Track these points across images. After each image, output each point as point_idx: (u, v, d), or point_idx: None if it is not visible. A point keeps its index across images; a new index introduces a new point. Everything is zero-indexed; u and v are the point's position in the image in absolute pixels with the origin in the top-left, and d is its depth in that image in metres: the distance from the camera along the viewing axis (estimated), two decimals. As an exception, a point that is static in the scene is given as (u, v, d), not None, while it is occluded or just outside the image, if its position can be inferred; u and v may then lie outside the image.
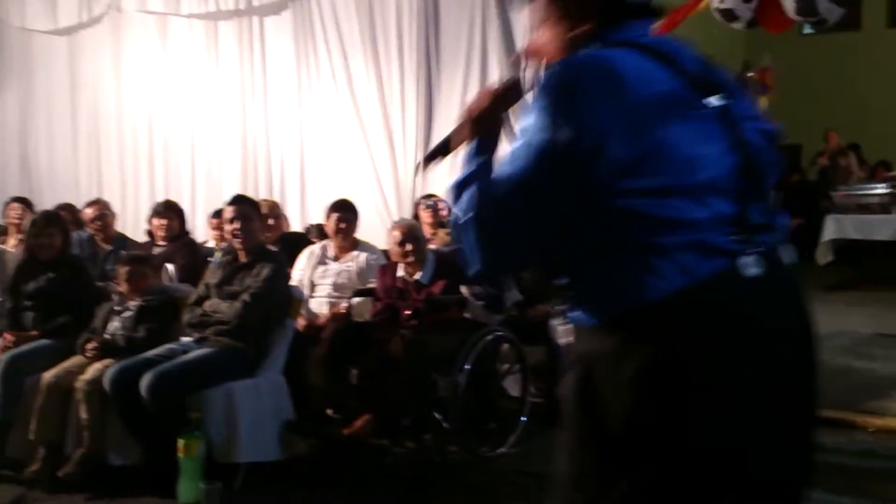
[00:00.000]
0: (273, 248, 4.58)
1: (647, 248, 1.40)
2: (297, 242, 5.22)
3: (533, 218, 1.46)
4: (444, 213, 5.51)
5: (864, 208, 7.82)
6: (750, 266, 1.41)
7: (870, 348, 5.61)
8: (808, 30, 14.71)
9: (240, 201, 4.14)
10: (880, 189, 7.73)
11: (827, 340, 5.70)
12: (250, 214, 4.08)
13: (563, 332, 4.10)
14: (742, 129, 1.53)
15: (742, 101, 1.58)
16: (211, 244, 5.67)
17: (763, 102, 14.16)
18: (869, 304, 7.11)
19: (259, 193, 6.87)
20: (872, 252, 8.62)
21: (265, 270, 3.92)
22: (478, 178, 1.52)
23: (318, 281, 4.74)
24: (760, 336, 1.42)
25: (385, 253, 4.69)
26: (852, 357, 5.42)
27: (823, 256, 8.04)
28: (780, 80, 13.68)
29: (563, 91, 1.46)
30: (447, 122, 6.04)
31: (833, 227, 7.90)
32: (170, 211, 5.29)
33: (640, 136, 1.44)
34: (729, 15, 4.93)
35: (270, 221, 5.14)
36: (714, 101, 1.52)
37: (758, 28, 5.24)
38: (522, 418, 4.13)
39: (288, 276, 4.33)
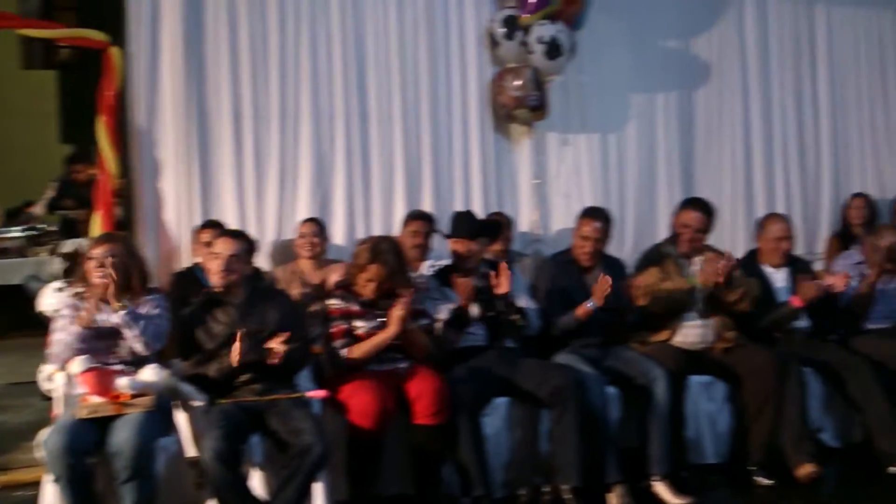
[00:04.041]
0: None
1: None
2: None
3: None
4: None
5: (3, 252, 7.48)
6: None
7: (2, 400, 5.33)
8: None
9: None
10: (16, 232, 7.50)
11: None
12: None
13: None
14: None
15: None
16: None
17: None
18: (10, 352, 6.81)
19: None
20: (21, 297, 8.37)
21: None
22: None
23: None
24: None
25: None
26: (-19, 413, 5.07)
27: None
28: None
29: None
30: None
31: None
32: None
33: None
34: None
35: None
36: None
37: None
38: None
39: None
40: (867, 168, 6.66)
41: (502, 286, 4.05)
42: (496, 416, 4.02)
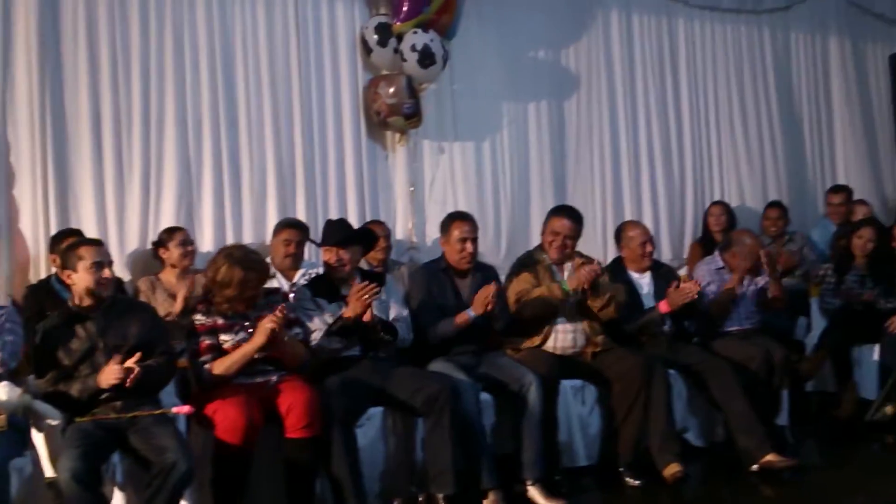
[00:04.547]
0: None
1: None
2: None
3: None
4: None
5: None
6: None
7: None
8: None
9: None
10: None
11: None
12: None
13: None
14: None
15: None
16: None
17: None
18: None
19: None
20: None
21: None
22: None
23: None
24: None
25: None
26: None
27: None
28: None
29: None
30: None
31: None
32: None
33: None
34: None
35: None
36: None
37: None
38: None
39: None
40: (727, 176, 6.98)
41: (363, 311, 3.92)
42: (370, 427, 3.97)
